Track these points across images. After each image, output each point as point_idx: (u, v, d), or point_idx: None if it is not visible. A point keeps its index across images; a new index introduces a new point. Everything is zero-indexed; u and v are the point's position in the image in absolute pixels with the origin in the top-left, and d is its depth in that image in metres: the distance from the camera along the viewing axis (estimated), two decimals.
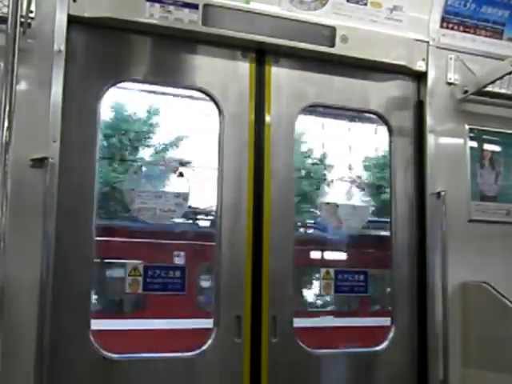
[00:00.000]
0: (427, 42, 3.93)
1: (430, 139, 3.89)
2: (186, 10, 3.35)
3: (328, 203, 3.89)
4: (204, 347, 3.36)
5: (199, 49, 3.53)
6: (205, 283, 8.68)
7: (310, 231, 10.73)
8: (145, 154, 15.03)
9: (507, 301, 3.57)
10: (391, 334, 3.76)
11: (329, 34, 3.66)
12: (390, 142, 3.94)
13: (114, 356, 3.20)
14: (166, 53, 3.48)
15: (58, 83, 3.06)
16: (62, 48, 3.09)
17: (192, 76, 3.55)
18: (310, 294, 10.34)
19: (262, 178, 3.54)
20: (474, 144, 4.06)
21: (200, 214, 9.31)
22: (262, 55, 3.63)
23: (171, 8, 3.33)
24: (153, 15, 3.30)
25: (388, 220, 3.92)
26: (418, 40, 3.90)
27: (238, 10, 3.47)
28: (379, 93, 3.94)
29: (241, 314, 3.39)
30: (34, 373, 2.80)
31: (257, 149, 3.56)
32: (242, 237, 3.46)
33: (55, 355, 2.95)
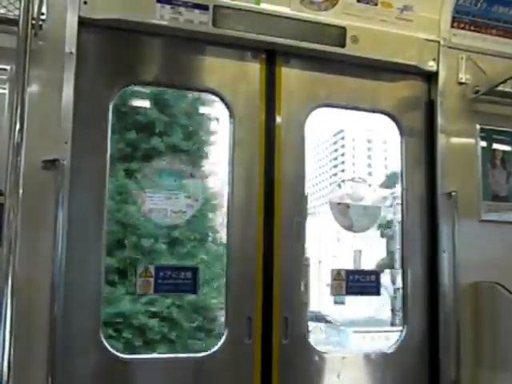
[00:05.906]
0: (438, 42, 3.91)
1: (441, 139, 3.88)
2: (197, 11, 3.36)
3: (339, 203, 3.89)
4: (215, 348, 3.36)
5: (209, 50, 3.53)
6: None
7: None
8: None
9: None
10: (403, 335, 3.76)
11: (339, 35, 3.66)
12: (401, 142, 3.93)
13: (126, 357, 3.21)
14: (176, 54, 3.48)
15: (69, 85, 3.07)
16: (73, 50, 3.10)
17: (202, 77, 3.56)
18: None
19: (273, 178, 3.53)
20: (486, 144, 4.04)
21: None
22: (272, 56, 3.63)
23: (181, 9, 3.33)
24: (163, 17, 3.30)
25: None
26: (428, 40, 3.89)
27: (248, 10, 3.47)
28: (390, 93, 3.93)
29: (252, 316, 3.39)
30: (47, 370, 2.81)
31: (267, 149, 3.55)
32: (253, 237, 3.46)
33: (67, 358, 2.97)
